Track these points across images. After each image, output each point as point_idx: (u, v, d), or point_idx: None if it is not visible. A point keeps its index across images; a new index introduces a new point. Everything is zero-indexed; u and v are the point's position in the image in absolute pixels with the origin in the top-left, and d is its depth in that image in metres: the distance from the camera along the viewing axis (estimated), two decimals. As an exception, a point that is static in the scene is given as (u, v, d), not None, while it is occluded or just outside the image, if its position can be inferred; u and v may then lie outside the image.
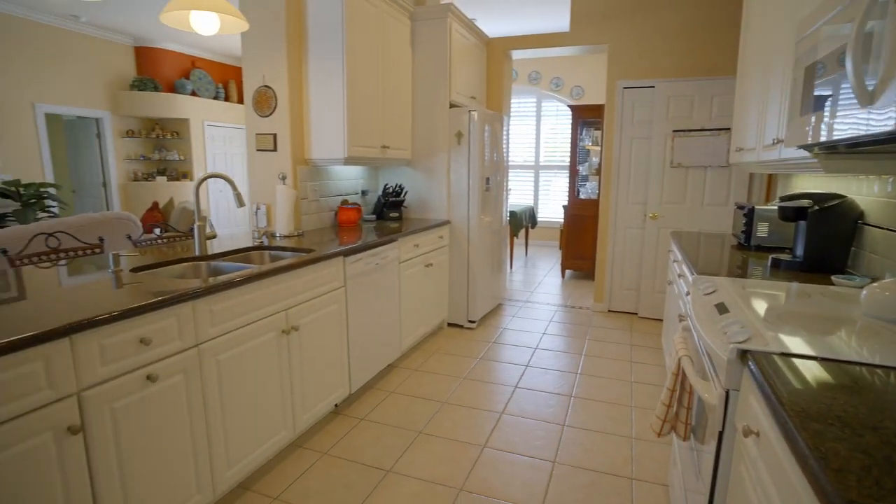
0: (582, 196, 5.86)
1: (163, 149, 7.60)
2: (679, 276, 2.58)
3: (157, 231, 3.24)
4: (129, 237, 2.74)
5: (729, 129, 3.78)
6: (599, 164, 5.60)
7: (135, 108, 7.10)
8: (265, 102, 2.99)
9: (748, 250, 2.53)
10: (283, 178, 2.98)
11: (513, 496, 1.99)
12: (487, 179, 3.97)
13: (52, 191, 6.32)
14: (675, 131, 3.99)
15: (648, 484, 2.07)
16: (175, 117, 7.35)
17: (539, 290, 5.33)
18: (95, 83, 6.85)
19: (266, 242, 2.63)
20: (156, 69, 7.34)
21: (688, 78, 3.90)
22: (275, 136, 3.02)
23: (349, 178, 3.66)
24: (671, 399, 1.53)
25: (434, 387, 2.96)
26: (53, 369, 1.26)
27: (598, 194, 5.49)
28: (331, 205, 3.44)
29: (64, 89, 6.50)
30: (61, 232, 2.47)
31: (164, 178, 7.53)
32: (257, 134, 3.07)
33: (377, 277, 2.84)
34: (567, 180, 7.91)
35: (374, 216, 3.79)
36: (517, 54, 4.61)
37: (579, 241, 5.72)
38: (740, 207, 2.70)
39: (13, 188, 5.85)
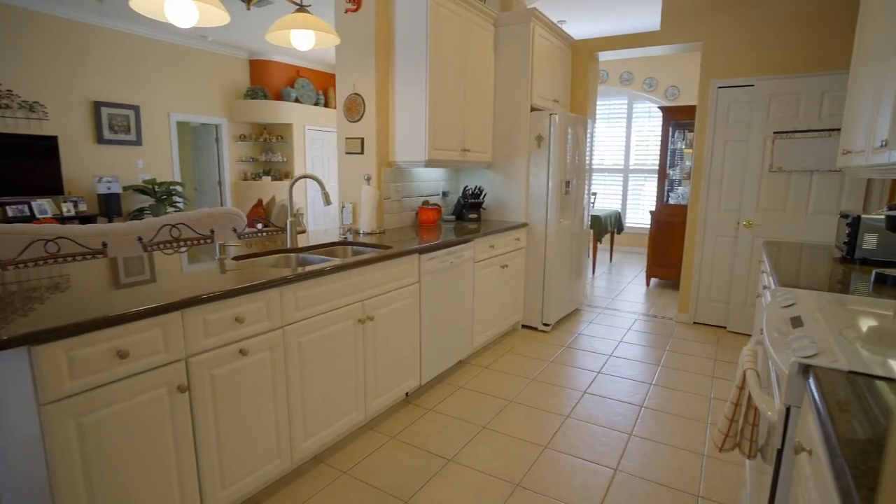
0: (671, 201, 5.58)
1: (269, 151, 8.36)
2: (765, 287, 2.42)
3: (259, 226, 3.62)
4: (235, 230, 3.10)
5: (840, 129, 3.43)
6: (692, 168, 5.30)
7: (247, 115, 7.88)
8: (354, 109, 3.24)
9: (851, 263, 2.31)
10: (368, 179, 3.20)
11: (569, 498, 2.00)
12: (567, 183, 3.94)
13: (178, 188, 7.22)
14: (776, 133, 3.69)
15: None
16: (280, 122, 8.05)
17: (621, 297, 5.16)
18: (216, 93, 7.71)
19: (350, 238, 2.85)
20: (266, 79, 8.09)
21: (794, 74, 3.59)
22: (362, 139, 3.25)
23: (430, 180, 3.82)
24: (735, 413, 1.48)
25: (503, 385, 3.02)
26: (169, 336, 1.51)
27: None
28: (412, 205, 3.62)
29: (191, 100, 7.39)
30: (182, 224, 2.86)
31: (269, 177, 8.27)
32: (346, 138, 3.32)
33: (451, 275, 2.95)
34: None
35: (454, 217, 3.92)
36: (604, 56, 4.52)
37: (666, 248, 5.45)
38: (844, 216, 2.46)
39: (150, 186, 6.76)
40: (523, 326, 4.13)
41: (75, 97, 6.20)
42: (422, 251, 2.64)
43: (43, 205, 5.85)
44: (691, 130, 5.47)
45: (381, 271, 2.38)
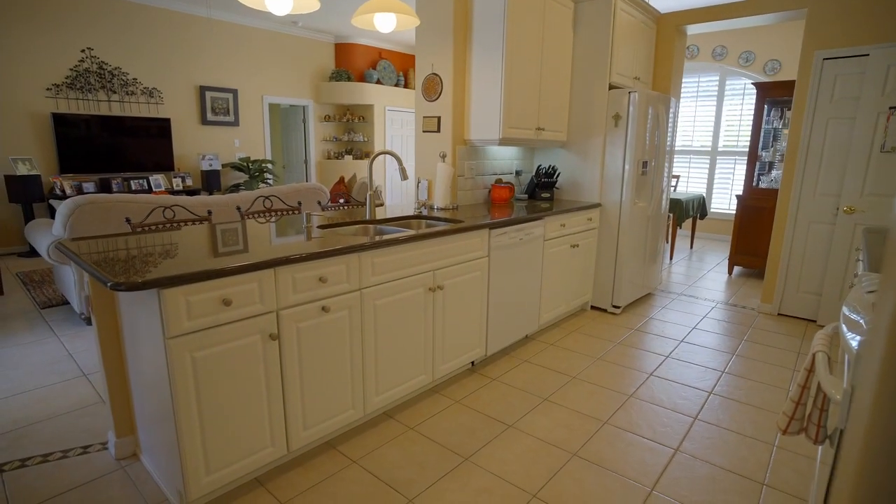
0: (763, 185, 5.20)
1: (351, 131, 8.75)
2: (856, 275, 2.25)
3: (341, 200, 3.88)
4: (319, 203, 3.35)
5: (971, 106, 3.03)
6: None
7: (332, 97, 8.28)
8: (432, 88, 3.35)
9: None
10: (444, 157, 3.32)
11: (625, 471, 2.04)
12: (644, 164, 3.82)
13: (269, 166, 7.79)
14: (892, 108, 3.34)
15: (782, 493, 1.92)
16: (362, 103, 8.39)
17: (699, 284, 4.94)
18: (304, 76, 8.17)
19: (424, 212, 3.00)
20: (350, 61, 8.43)
21: (916, 44, 3.21)
22: (439, 118, 3.36)
23: (504, 159, 3.87)
24: (802, 395, 1.44)
25: (567, 362, 3.06)
26: (264, 290, 1.72)
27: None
28: (485, 182, 3.71)
29: (282, 82, 7.90)
30: (274, 196, 3.15)
31: (351, 156, 8.67)
32: (424, 117, 3.45)
33: (520, 252, 3.02)
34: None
35: (526, 195, 3.96)
36: (693, 29, 4.27)
37: (753, 235, 5.12)
38: (960, 202, 2.22)
39: (245, 164, 7.35)
40: (592, 307, 4.11)
41: (185, 83, 6.85)
42: (492, 226, 2.72)
43: (158, 179, 6.59)
44: (790, 108, 5.03)
45: (452, 243, 2.50)
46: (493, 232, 2.77)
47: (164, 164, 6.70)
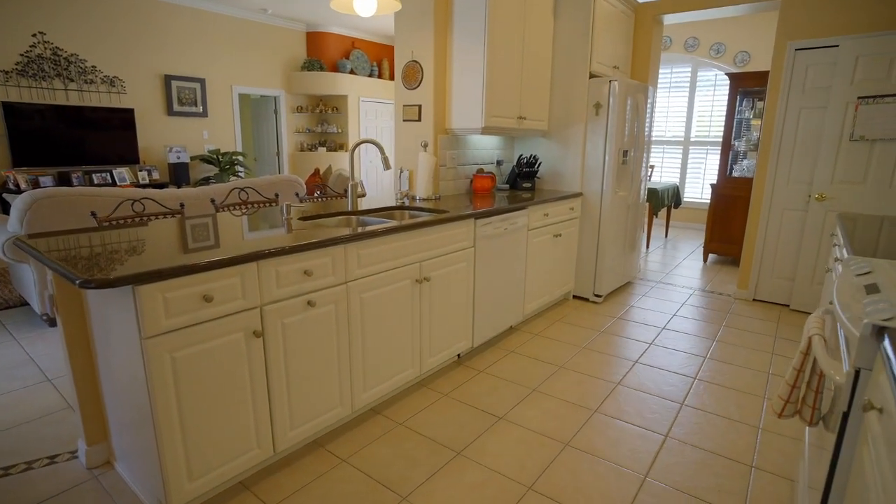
0: (735, 174, 5.31)
1: (324, 123, 8.55)
2: (836, 260, 2.30)
3: (318, 193, 3.77)
4: (297, 195, 3.24)
5: (936, 94, 3.14)
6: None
7: (304, 87, 8.07)
8: (412, 76, 3.27)
9: (937, 237, 2.15)
10: (425, 146, 3.25)
11: (617, 459, 2.03)
12: (625, 153, 3.84)
13: (241, 158, 7.55)
14: (861, 98, 3.43)
15: (771, 475, 1.95)
16: (336, 94, 8.20)
17: (676, 272, 5.02)
18: (275, 66, 7.93)
19: (407, 203, 2.93)
20: (322, 51, 8.22)
21: (887, 31, 3.29)
22: (420, 107, 3.29)
23: (485, 148, 3.82)
24: (797, 379, 1.45)
25: (553, 352, 3.05)
26: (246, 285, 1.63)
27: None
28: (467, 173, 3.65)
29: (252, 72, 7.64)
30: (250, 187, 3.03)
31: (325, 148, 8.49)
32: (404, 105, 3.37)
33: (505, 242, 2.98)
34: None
35: (508, 185, 3.92)
36: (670, 19, 4.29)
37: (727, 223, 5.22)
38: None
39: (215, 156, 7.10)
40: (574, 297, 4.12)
41: (149, 71, 6.55)
42: (477, 216, 2.67)
43: (122, 173, 6.30)
44: (761, 99, 5.14)
45: (439, 234, 2.44)
46: (479, 222, 2.72)
47: (129, 156, 6.40)
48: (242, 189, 2.94)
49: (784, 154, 3.80)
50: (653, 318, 3.67)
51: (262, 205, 2.99)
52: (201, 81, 7.03)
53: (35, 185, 5.66)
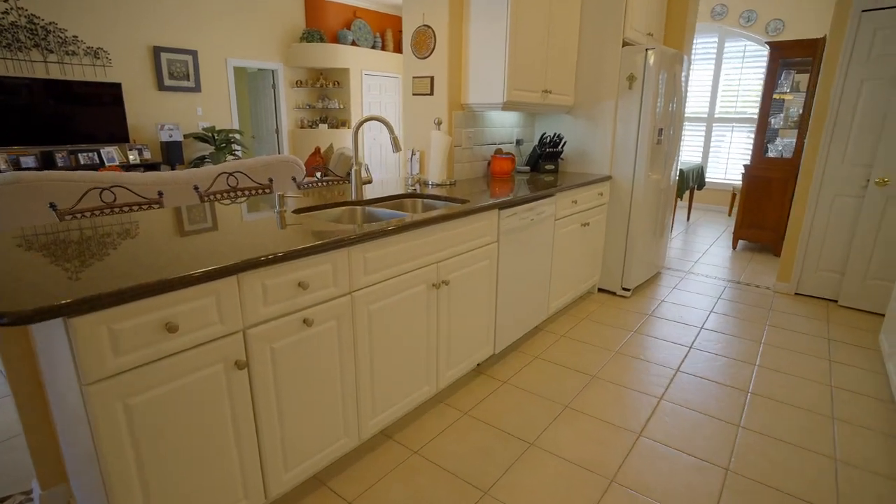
0: (771, 154, 4.88)
1: (325, 98, 8.10)
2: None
3: (318, 175, 3.39)
4: (294, 179, 2.87)
5: None
6: (801, 116, 4.57)
7: (303, 59, 7.59)
8: (424, 43, 2.85)
9: None
10: (439, 124, 2.85)
11: (674, 500, 1.71)
12: (660, 131, 3.43)
13: (237, 136, 7.14)
14: (933, 69, 3.00)
15: (864, 523, 1.63)
16: (337, 67, 7.72)
17: (704, 260, 4.65)
18: (272, 37, 7.43)
19: (418, 190, 2.56)
20: (322, 20, 7.71)
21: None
22: (432, 78, 2.88)
23: (504, 126, 3.42)
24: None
25: (583, 357, 2.72)
26: (224, 305, 1.28)
27: (795, 152, 4.53)
28: (484, 154, 3.26)
29: (248, 44, 7.16)
30: (239, 172, 2.66)
31: (326, 125, 8.05)
32: (414, 77, 2.96)
33: (530, 234, 2.62)
34: (747, 136, 6.73)
35: (528, 167, 3.53)
36: (710, -22, 3.82)
37: (760, 207, 4.83)
38: None
39: (210, 134, 6.70)
40: (600, 290, 3.77)
41: (136, 42, 6.10)
42: (502, 206, 2.30)
43: (111, 152, 5.91)
44: (803, 71, 4.68)
45: (459, 229, 2.08)
46: (504, 213, 2.35)
47: (118, 134, 6.00)
48: (231, 174, 2.57)
49: (839, 132, 3.38)
50: (688, 316, 3.32)
51: (253, 192, 2.62)
52: (193, 53, 6.57)
53: (15, 165, 5.28)
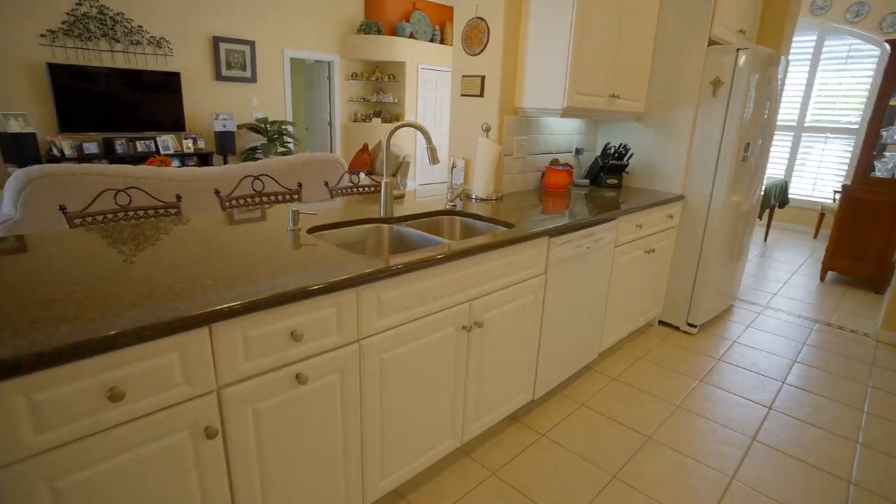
0: (878, 173, 4.19)
1: (380, 91, 7.92)
2: None
3: (362, 175, 3.16)
4: (327, 184, 2.64)
5: None
6: (922, 130, 3.87)
7: (359, 52, 7.44)
8: (476, 37, 2.53)
9: None
10: (487, 130, 2.53)
11: None
12: (747, 146, 2.94)
13: (289, 128, 7.10)
14: None
15: None
16: (393, 60, 7.52)
17: (785, 292, 4.06)
18: (330, 28, 7.32)
19: (459, 206, 2.25)
20: (380, 12, 7.52)
21: None
22: (482, 78, 2.56)
23: (563, 133, 3.04)
24: None
25: (636, 409, 2.33)
26: (190, 362, 1.04)
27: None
28: (538, 164, 2.91)
29: (305, 35, 7.09)
30: (266, 175, 2.45)
31: (379, 119, 7.89)
32: (463, 76, 2.65)
33: (585, 263, 2.25)
34: (843, 148, 5.93)
35: (588, 181, 3.14)
36: (821, -34, 3.25)
37: (860, 235, 4.16)
38: None
39: (263, 125, 6.68)
40: (661, 322, 3.32)
41: (196, 32, 6.14)
42: (553, 233, 1.96)
43: (167, 141, 5.99)
44: (928, 77, 3.96)
45: (500, 261, 1.76)
46: (555, 240, 2.00)
47: (175, 123, 6.08)
48: (257, 177, 2.36)
49: (980, 156, 2.76)
50: (766, 365, 2.83)
51: (278, 198, 2.41)
52: (251, 44, 6.56)
53: (80, 151, 5.43)
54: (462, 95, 2.69)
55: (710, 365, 2.80)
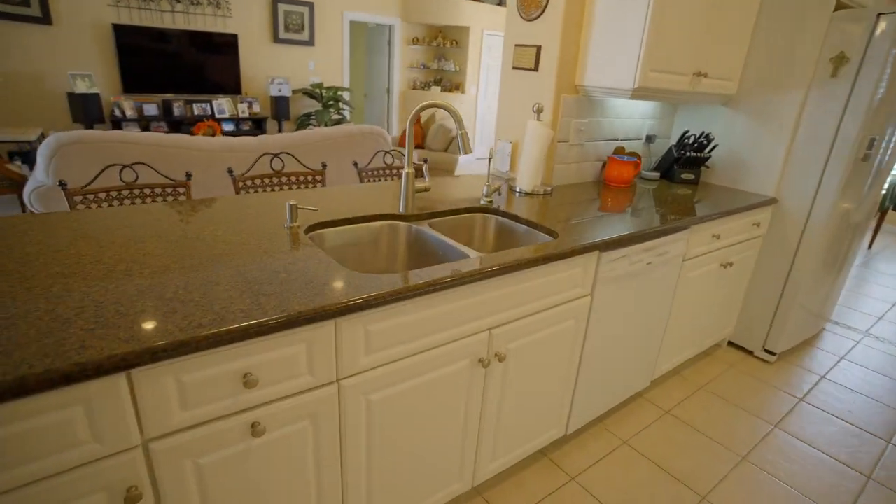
0: None
1: (441, 58, 7.53)
2: None
3: (387, 159, 2.88)
4: (356, 164, 2.38)
5: None
6: None
7: (422, 15, 7.04)
8: (533, 0, 2.12)
9: None
10: (539, 112, 2.14)
11: None
12: (871, 142, 2.36)
13: (345, 95, 6.89)
14: None
15: None
16: (456, 25, 7.07)
17: (892, 316, 3.41)
18: (392, -12, 6.96)
19: (497, 202, 1.92)
20: (447, -29, 7.04)
21: None
22: (538, 49, 2.16)
23: (632, 117, 2.59)
24: None
25: (690, 456, 1.96)
26: (101, 416, 0.82)
27: None
28: (599, 152, 2.49)
29: (366, -6, 6.78)
30: (287, 154, 2.22)
31: (439, 88, 7.52)
32: (516, 45, 2.26)
33: (644, 280, 1.87)
34: None
35: (658, 174, 2.68)
36: None
37: None
38: None
39: (318, 90, 6.51)
40: (730, 343, 2.86)
41: (256, -9, 5.99)
42: (604, 247, 1.59)
43: (222, 104, 5.96)
44: None
45: (533, 281, 1.43)
46: (607, 256, 1.64)
47: (231, 86, 6.03)
48: (276, 155, 2.13)
49: None
50: (865, 414, 2.33)
51: (302, 179, 2.18)
52: (310, 5, 6.34)
53: (140, 113, 5.51)
54: (513, 69, 2.30)
55: (790, 406, 2.34)
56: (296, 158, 2.18)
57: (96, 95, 5.14)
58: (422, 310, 1.19)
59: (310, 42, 6.48)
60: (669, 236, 1.87)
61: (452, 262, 1.39)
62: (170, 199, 1.95)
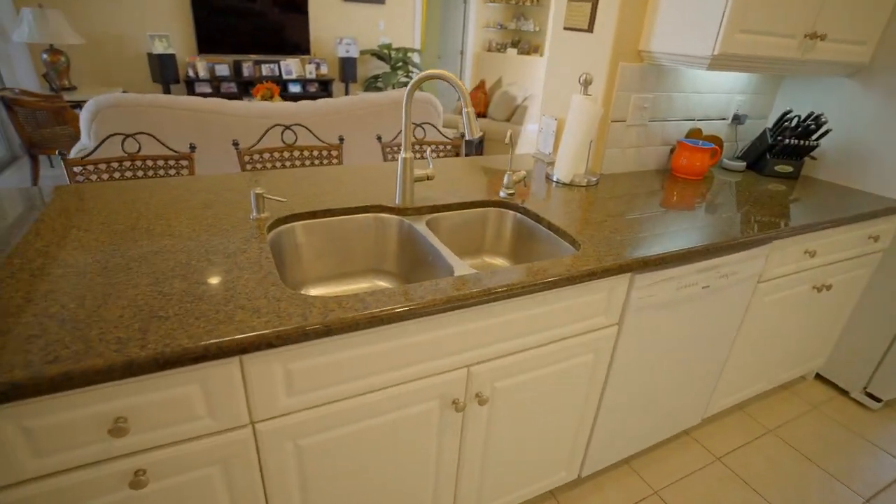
0: None
1: (520, 17, 6.95)
2: None
3: (419, 134, 2.59)
4: (379, 139, 2.14)
5: None
6: None
7: (501, -32, 6.49)
8: (591, -59, 1.70)
9: None
10: (587, 84, 1.74)
11: None
12: None
13: (415, 56, 6.60)
14: None
15: None
16: (539, -21, 6.44)
17: None
18: (472, -61, 6.44)
19: (540, 192, 1.59)
20: (533, -82, 6.39)
21: None
22: (594, 3, 1.75)
23: (714, 92, 2.09)
24: None
25: (740, 524, 1.59)
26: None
27: None
28: (668, 135, 2.04)
29: (443, -53, 6.33)
30: (298, 125, 2.02)
31: (515, 50, 6.99)
32: (569, 1, 1.86)
33: (699, 305, 1.48)
34: None
35: (743, 164, 2.17)
36: None
37: None
38: None
39: (386, 51, 6.28)
40: (818, 377, 2.34)
41: (329, -55, 5.78)
42: (638, 267, 1.23)
43: (289, 66, 5.91)
44: None
45: (533, 310, 1.12)
46: (641, 278, 1.28)
47: (300, 47, 5.96)
48: (288, 127, 1.94)
49: None
50: None
51: (313, 153, 1.98)
52: (382, -41, 6.03)
53: (212, 73, 5.60)
54: (565, 29, 1.90)
55: (893, 475, 1.85)
56: (309, 131, 1.97)
57: (172, 56, 5.27)
58: (362, 346, 0.94)
59: (380, 0, 6.21)
60: (740, 253, 1.45)
61: (438, 275, 1.12)
62: (172, 172, 1.84)
